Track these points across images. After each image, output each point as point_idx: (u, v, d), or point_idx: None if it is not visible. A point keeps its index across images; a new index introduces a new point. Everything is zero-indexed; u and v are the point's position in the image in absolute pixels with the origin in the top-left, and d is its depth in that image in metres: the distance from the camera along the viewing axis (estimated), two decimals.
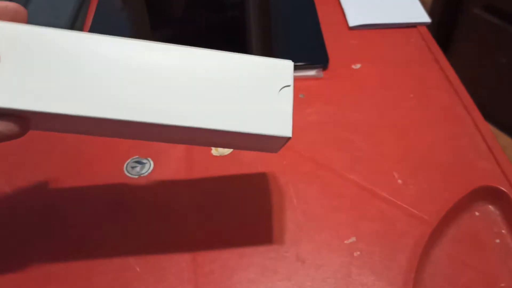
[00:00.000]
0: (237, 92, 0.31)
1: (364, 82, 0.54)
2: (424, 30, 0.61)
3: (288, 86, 0.32)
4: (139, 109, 0.29)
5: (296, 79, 0.54)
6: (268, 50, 0.58)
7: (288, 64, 0.33)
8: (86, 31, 0.59)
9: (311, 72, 0.55)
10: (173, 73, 0.30)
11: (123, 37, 0.30)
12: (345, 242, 0.40)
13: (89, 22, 0.62)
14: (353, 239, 0.40)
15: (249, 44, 0.58)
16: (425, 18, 0.61)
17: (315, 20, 0.61)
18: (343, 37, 0.60)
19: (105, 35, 0.29)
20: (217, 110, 0.30)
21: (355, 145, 0.47)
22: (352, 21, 0.61)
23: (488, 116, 0.48)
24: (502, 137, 1.30)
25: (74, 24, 0.60)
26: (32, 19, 0.58)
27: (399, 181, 0.44)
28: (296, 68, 0.54)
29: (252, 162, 0.46)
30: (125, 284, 0.37)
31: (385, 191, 0.43)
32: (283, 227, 0.41)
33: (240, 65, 0.32)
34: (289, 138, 0.32)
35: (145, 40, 0.30)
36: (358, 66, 0.56)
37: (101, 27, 0.60)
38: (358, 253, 0.39)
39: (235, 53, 0.32)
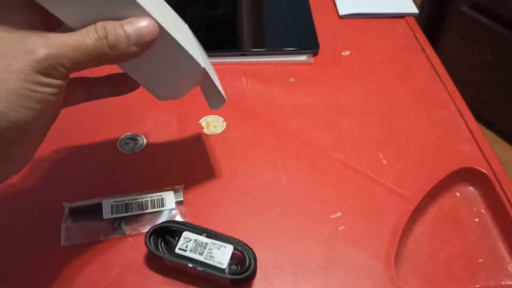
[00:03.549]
0: None
1: (353, 68, 0.56)
2: (412, 20, 0.63)
3: None
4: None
5: (287, 63, 0.56)
6: (261, 43, 0.59)
7: None
8: None
9: (302, 57, 0.56)
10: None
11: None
12: (331, 216, 0.41)
13: None
14: (338, 214, 0.41)
15: (241, 39, 0.59)
16: (413, 9, 0.63)
17: (307, 8, 0.62)
18: (333, 25, 0.62)
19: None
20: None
21: (342, 127, 0.49)
22: (342, 10, 0.63)
23: (473, 112, 0.50)
24: (488, 134, 1.33)
25: None
26: None
27: (384, 161, 0.45)
28: (287, 53, 0.56)
29: (242, 141, 0.47)
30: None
31: (370, 170, 0.45)
32: (271, 201, 0.42)
33: None
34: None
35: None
36: (347, 53, 0.58)
37: None
38: (343, 227, 0.40)
39: None
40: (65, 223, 0.39)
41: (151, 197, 0.41)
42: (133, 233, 0.39)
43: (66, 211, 0.40)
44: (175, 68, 0.35)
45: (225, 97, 0.40)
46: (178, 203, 0.41)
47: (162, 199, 0.40)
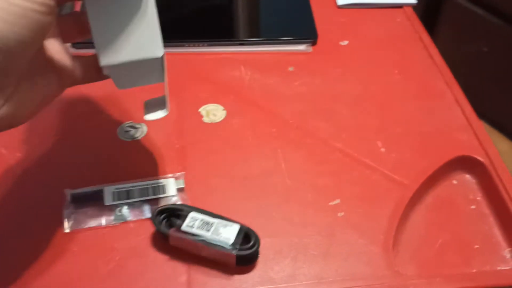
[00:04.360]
0: None
1: (351, 58, 0.56)
2: (410, 10, 0.63)
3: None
4: None
5: (285, 53, 0.56)
6: (260, 32, 0.59)
7: None
8: None
9: (301, 47, 0.56)
10: None
11: None
12: (330, 204, 0.42)
13: None
14: (337, 201, 0.42)
15: (240, 29, 0.60)
16: None
17: None
18: (332, 15, 0.62)
19: None
20: None
21: (341, 115, 0.49)
22: (341, 0, 0.63)
23: None
24: None
25: None
26: None
27: (382, 149, 0.46)
28: (286, 42, 0.57)
29: (241, 129, 0.47)
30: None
31: (368, 158, 0.45)
32: (271, 189, 0.42)
33: None
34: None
35: None
36: (345, 42, 0.58)
37: None
38: (342, 213, 0.41)
39: None
40: (67, 209, 0.40)
41: (152, 184, 0.41)
42: (134, 219, 0.40)
43: (68, 197, 0.40)
44: (133, 35, 0.32)
45: (168, 109, 0.38)
46: (179, 190, 0.41)
47: (163, 186, 0.41)
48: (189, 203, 0.41)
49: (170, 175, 0.42)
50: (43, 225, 0.39)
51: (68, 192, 0.40)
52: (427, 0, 1.34)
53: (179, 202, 0.40)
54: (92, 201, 0.40)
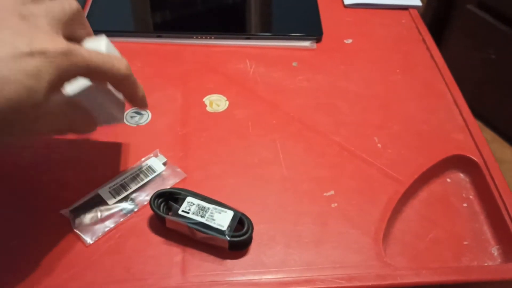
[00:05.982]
0: None
1: (354, 56, 0.57)
2: (415, 12, 0.64)
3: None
4: None
5: (290, 48, 0.57)
6: (266, 27, 0.60)
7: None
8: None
9: (305, 43, 0.58)
10: None
11: None
12: (325, 194, 0.43)
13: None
14: (332, 192, 0.43)
15: (247, 23, 0.61)
16: (417, 2, 0.64)
17: None
18: (338, 14, 0.63)
19: None
20: None
21: (341, 111, 0.50)
22: (348, 0, 0.64)
23: (473, 110, 0.51)
24: (486, 132, 1.34)
25: None
26: None
27: (379, 145, 0.47)
28: (291, 38, 0.58)
29: (243, 120, 0.49)
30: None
31: (365, 153, 0.46)
32: (268, 178, 0.44)
33: None
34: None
35: None
36: (350, 41, 0.59)
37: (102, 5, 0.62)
38: (336, 204, 0.42)
39: None
40: (76, 228, 0.39)
41: (139, 169, 0.43)
42: (142, 205, 0.41)
43: (69, 216, 0.39)
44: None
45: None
46: (164, 164, 0.43)
47: (149, 166, 0.43)
48: (178, 174, 0.42)
49: (146, 156, 0.44)
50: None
51: (66, 212, 0.39)
52: (436, 6, 1.34)
53: (171, 176, 0.42)
54: (95, 207, 0.40)
